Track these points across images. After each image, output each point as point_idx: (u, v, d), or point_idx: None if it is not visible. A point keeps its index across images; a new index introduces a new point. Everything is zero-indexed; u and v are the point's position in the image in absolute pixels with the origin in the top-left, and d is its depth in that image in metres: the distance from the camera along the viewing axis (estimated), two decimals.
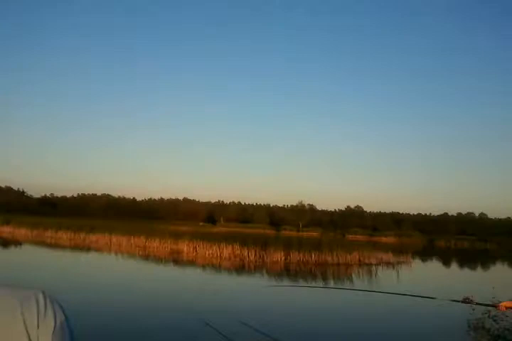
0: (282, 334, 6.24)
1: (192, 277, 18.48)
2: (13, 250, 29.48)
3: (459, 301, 3.63)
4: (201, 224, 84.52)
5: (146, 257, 26.29)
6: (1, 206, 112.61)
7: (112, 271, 19.78)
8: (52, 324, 1.15)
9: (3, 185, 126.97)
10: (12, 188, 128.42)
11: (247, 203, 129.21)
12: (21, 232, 40.06)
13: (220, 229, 51.83)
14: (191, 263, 23.86)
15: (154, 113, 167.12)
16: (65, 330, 1.16)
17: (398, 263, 27.90)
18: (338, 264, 25.04)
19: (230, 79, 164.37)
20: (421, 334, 9.40)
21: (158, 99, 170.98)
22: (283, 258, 25.22)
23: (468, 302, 4.70)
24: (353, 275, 21.48)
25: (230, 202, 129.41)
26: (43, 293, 1.20)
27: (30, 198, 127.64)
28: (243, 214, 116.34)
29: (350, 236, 63.69)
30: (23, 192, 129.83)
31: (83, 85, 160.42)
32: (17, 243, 33.47)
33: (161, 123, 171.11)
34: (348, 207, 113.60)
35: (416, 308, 11.39)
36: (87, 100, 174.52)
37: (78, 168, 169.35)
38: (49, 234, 37.72)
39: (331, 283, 18.60)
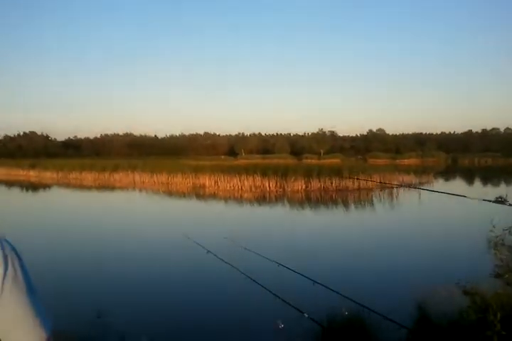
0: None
1: (211, 208, 18.85)
2: (42, 193, 30.44)
3: (490, 201, 3.46)
4: (222, 157, 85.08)
5: (170, 193, 26.79)
6: (26, 151, 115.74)
7: (137, 205, 20.26)
8: (2, 267, 1.03)
9: (27, 131, 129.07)
10: (36, 133, 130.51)
11: (267, 134, 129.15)
12: (47, 175, 41.17)
13: (241, 161, 52.00)
14: (213, 196, 24.23)
15: (181, 51, 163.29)
16: (17, 273, 1.05)
17: (420, 184, 27.76)
18: (359, 189, 25.10)
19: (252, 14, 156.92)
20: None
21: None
22: (303, 186, 25.35)
23: (501, 202, 4.43)
24: (374, 199, 21.55)
25: (250, 134, 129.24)
26: None
27: (54, 142, 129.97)
28: (264, 145, 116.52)
29: (372, 160, 63.30)
30: (47, 136, 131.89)
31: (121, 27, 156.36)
32: (44, 186, 34.47)
33: (182, 62, 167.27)
34: (370, 130, 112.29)
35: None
36: (111, 46, 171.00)
37: (99, 108, 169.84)
38: (74, 176, 38.66)
39: (352, 208, 18.74)
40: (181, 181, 30.44)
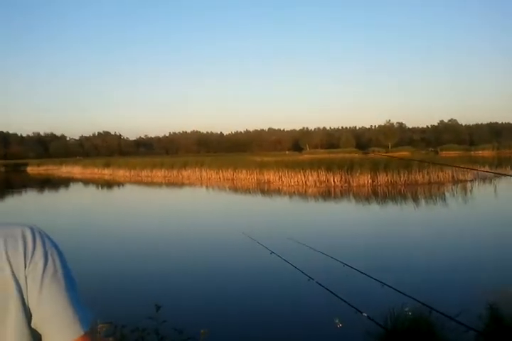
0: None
1: (275, 204, 18.85)
2: (115, 190, 32.02)
3: None
4: (287, 152, 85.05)
5: (235, 189, 27.16)
6: (101, 150, 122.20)
7: (201, 202, 20.72)
8: (42, 263, 1.05)
9: (101, 131, 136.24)
10: (110, 132, 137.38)
11: (332, 128, 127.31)
12: (120, 173, 43.19)
13: (305, 156, 51.74)
14: (277, 192, 24.26)
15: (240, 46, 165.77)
16: (57, 269, 1.07)
17: (496, 177, 26.11)
18: (430, 183, 24.07)
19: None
20: None
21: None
22: (370, 181, 24.71)
23: None
24: (446, 193, 20.57)
25: (314, 129, 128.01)
26: (32, 229, 1.09)
27: (126, 140, 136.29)
28: (329, 139, 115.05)
29: (444, 152, 60.51)
30: (120, 135, 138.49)
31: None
32: (118, 184, 36.22)
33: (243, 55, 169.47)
34: (441, 121, 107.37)
35: None
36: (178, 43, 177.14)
37: (167, 108, 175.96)
38: (145, 174, 40.27)
39: (422, 203, 18.01)
40: (246, 177, 30.75)
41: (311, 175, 26.37)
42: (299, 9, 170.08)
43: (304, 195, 22.80)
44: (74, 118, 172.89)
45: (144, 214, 16.88)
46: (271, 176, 28.68)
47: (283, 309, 5.97)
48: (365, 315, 2.82)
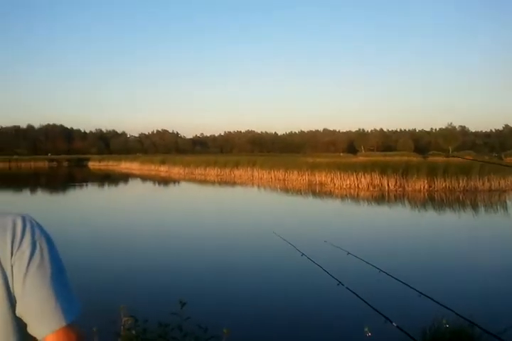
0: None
1: (324, 206, 18.58)
2: (169, 187, 32.85)
3: None
4: (341, 154, 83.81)
5: (285, 189, 27.08)
6: (159, 147, 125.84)
7: (249, 201, 20.80)
8: (29, 252, 1.06)
9: (160, 129, 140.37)
10: (168, 131, 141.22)
11: (389, 130, 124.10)
12: (175, 171, 44.28)
13: (360, 158, 50.70)
14: (328, 194, 23.92)
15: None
16: (44, 259, 1.07)
17: None
18: (490, 190, 22.87)
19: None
20: None
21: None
22: (426, 186, 23.82)
23: None
24: (508, 202, 19.46)
25: (371, 130, 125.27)
26: (23, 218, 1.10)
27: (183, 139, 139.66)
28: (386, 141, 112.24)
29: (509, 158, 57.37)
30: (177, 133, 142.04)
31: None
32: (173, 181, 37.14)
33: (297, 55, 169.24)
34: (506, 126, 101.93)
35: None
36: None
37: (223, 107, 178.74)
38: (199, 172, 41.03)
39: (481, 211, 17.13)
40: (297, 178, 30.58)
41: (364, 177, 25.78)
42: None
43: (355, 198, 22.34)
44: (134, 116, 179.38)
45: (186, 211, 17.19)
46: (322, 178, 28.35)
47: (309, 312, 5.83)
48: (395, 324, 2.67)
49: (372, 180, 25.54)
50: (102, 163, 70.13)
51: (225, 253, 9.43)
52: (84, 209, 18.50)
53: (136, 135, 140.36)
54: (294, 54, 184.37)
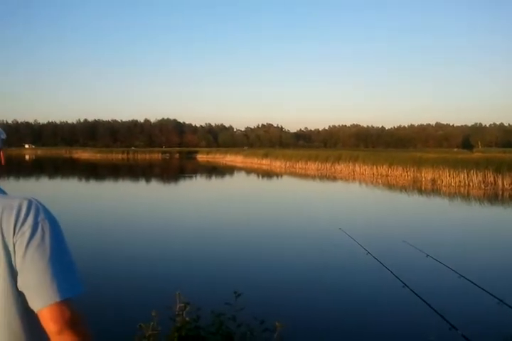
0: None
1: (425, 205, 17.49)
2: (270, 180, 33.37)
3: None
4: (455, 150, 78.39)
5: (387, 186, 26.04)
6: (264, 141, 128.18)
7: (343, 196, 20.30)
8: (29, 232, 1.14)
9: (265, 123, 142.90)
10: (272, 125, 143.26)
11: (511, 124, 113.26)
12: (277, 164, 44.79)
13: (476, 154, 46.96)
14: (433, 191, 22.54)
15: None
16: (44, 239, 1.14)
17: None
18: None
19: None
20: None
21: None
22: None
23: None
24: None
25: (489, 125, 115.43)
26: (30, 201, 1.19)
27: (287, 133, 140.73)
28: (506, 136, 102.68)
29: None
30: (282, 127, 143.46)
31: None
32: (274, 174, 37.65)
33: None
34: None
35: None
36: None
37: (328, 101, 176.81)
38: (300, 165, 41.06)
39: None
40: (401, 174, 29.24)
41: (476, 175, 23.87)
42: None
43: (463, 197, 20.77)
44: (241, 109, 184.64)
45: (269, 203, 17.32)
46: (429, 174, 26.78)
47: (369, 313, 5.53)
48: (460, 333, 2.46)
49: (485, 177, 23.57)
50: (209, 156, 73.32)
51: (285, 247, 9.33)
52: (187, 198, 19.51)
53: (243, 129, 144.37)
54: (405, 50, 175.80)
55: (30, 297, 1.13)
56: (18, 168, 46.56)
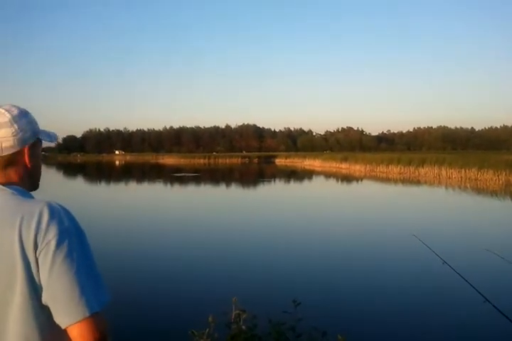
0: None
1: None
2: (346, 184, 32.57)
3: None
4: None
5: (476, 190, 24.31)
6: (344, 144, 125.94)
7: (420, 200, 19.17)
8: (54, 242, 1.08)
9: (344, 126, 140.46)
10: (352, 128, 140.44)
11: None
12: (356, 168, 43.66)
13: None
14: None
15: None
16: (71, 249, 1.09)
17: None
18: None
19: None
20: None
21: None
22: None
23: None
24: None
25: None
26: (51, 206, 1.13)
27: (368, 136, 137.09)
28: None
29: None
30: (362, 130, 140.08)
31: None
32: (353, 178, 36.73)
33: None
34: None
35: None
36: None
37: (411, 102, 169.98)
38: (381, 169, 39.70)
39: None
40: (492, 178, 27.21)
41: None
42: None
43: None
44: (318, 114, 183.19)
45: (341, 208, 16.74)
46: None
47: (444, 330, 4.98)
48: None
49: None
50: (287, 160, 73.41)
51: (352, 254, 8.88)
52: (259, 203, 19.57)
53: (322, 133, 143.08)
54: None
55: (57, 312, 1.08)
56: (109, 172, 49.61)
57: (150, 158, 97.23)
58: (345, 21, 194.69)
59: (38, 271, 1.08)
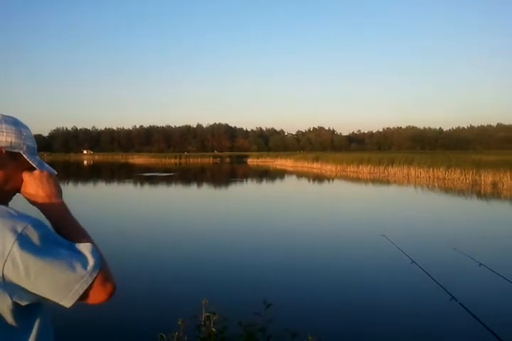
0: None
1: (480, 209, 16.46)
2: (317, 184, 32.89)
3: None
4: None
5: (444, 189, 24.92)
6: (315, 144, 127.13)
7: (384, 199, 19.53)
8: (18, 260, 1.06)
9: (316, 126, 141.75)
10: (324, 127, 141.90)
11: None
12: (327, 168, 44.11)
13: None
14: (493, 195, 21.29)
15: None
16: (34, 257, 1.07)
17: None
18: None
19: None
20: None
21: None
22: None
23: None
24: None
25: None
26: (14, 231, 1.08)
27: (339, 136, 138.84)
28: None
29: None
30: (333, 130, 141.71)
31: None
32: (324, 177, 37.09)
33: None
34: None
35: None
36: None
37: (381, 102, 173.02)
38: (351, 169, 40.23)
39: None
40: (459, 177, 27.95)
41: None
42: None
43: None
44: (292, 114, 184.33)
45: (312, 209, 16.86)
46: (489, 177, 25.42)
47: (412, 327, 5.08)
48: None
49: None
50: (259, 160, 73.56)
51: (322, 254, 8.92)
52: (227, 203, 19.52)
53: (294, 133, 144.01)
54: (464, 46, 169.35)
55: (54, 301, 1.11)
56: (76, 172, 48.59)
57: (119, 157, 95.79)
58: (319, 20, 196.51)
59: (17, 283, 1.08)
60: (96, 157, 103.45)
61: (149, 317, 5.13)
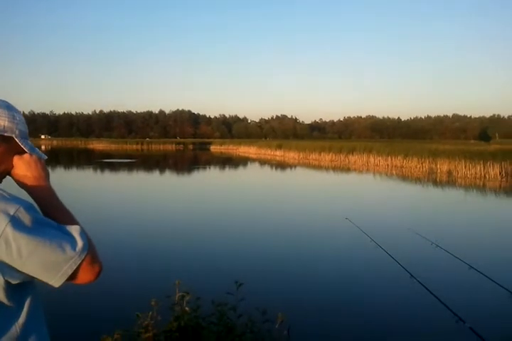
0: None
1: (435, 195, 17.21)
2: (281, 171, 33.25)
3: None
4: (472, 141, 77.08)
5: (401, 177, 25.75)
6: (278, 132, 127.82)
7: (348, 186, 20.09)
8: (10, 243, 1.09)
9: (279, 114, 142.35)
10: (287, 116, 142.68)
11: None
12: (290, 155, 44.59)
13: (493, 146, 46.16)
14: (448, 183, 22.21)
15: None
16: (24, 239, 1.10)
17: None
18: None
19: None
20: None
21: None
22: None
23: None
24: None
25: (508, 116, 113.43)
26: (6, 213, 1.11)
27: (301, 124, 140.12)
28: None
29: None
30: (296, 119, 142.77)
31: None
32: (286, 165, 37.50)
33: None
34: None
35: None
36: None
37: (342, 92, 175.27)
38: (313, 157, 40.82)
39: None
40: (416, 165, 28.91)
41: (493, 167, 23.49)
42: None
43: (478, 188, 20.41)
44: (255, 101, 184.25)
45: (277, 195, 17.13)
46: (445, 166, 26.43)
47: (374, 305, 5.35)
48: (468, 325, 2.36)
49: (502, 169, 23.18)
50: (222, 147, 73.37)
51: (289, 237, 9.24)
52: (194, 189, 19.53)
53: (257, 120, 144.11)
54: (418, 37, 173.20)
55: (44, 279, 1.15)
56: None
57: (79, 143, 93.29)
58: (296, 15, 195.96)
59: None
60: (54, 142, 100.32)
61: (124, 299, 5.18)
